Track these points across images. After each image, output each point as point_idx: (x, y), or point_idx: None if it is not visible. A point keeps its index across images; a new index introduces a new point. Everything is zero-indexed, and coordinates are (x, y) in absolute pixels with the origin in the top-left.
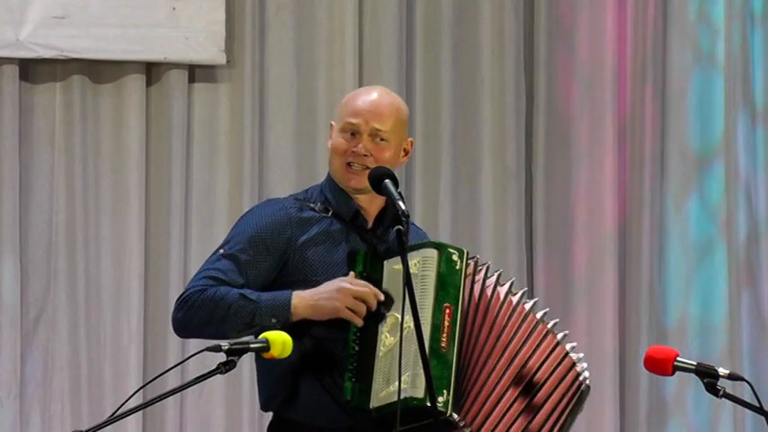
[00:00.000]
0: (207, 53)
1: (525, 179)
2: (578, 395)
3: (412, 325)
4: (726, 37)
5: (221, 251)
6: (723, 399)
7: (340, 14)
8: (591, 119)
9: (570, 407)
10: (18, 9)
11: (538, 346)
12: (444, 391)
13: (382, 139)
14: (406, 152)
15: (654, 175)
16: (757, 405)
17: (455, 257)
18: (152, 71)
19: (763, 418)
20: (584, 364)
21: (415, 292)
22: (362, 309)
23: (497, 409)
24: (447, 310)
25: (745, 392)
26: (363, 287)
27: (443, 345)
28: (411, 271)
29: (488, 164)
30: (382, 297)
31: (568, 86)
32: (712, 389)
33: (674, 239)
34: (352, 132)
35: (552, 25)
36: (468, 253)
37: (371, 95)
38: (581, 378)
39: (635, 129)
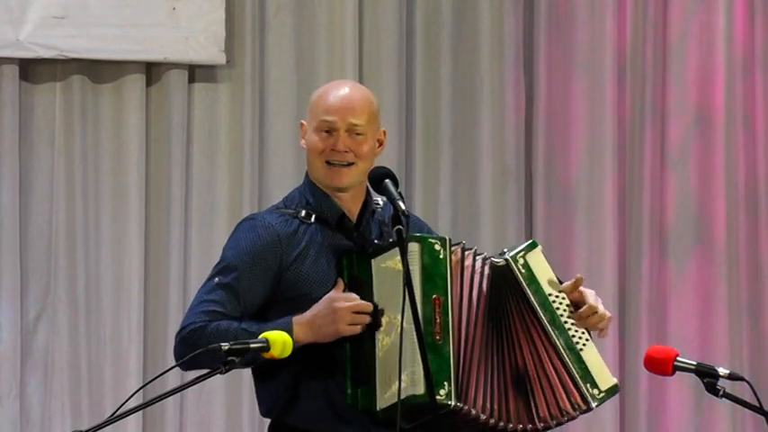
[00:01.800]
0: (207, 53)
1: (525, 179)
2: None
3: (406, 323)
4: (726, 37)
5: (216, 279)
6: (723, 399)
7: (340, 14)
8: (591, 119)
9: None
10: (18, 9)
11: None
12: (445, 383)
13: (359, 134)
14: (381, 143)
15: (654, 176)
16: (757, 405)
17: (437, 247)
18: (152, 71)
19: (763, 418)
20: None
21: (402, 288)
22: (363, 319)
23: (496, 389)
24: (436, 302)
25: (745, 392)
26: (355, 301)
27: (437, 337)
28: (395, 268)
29: (488, 164)
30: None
31: (568, 86)
32: (712, 389)
33: (674, 239)
34: (328, 130)
35: (552, 25)
36: (450, 240)
37: (343, 90)
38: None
39: (635, 129)
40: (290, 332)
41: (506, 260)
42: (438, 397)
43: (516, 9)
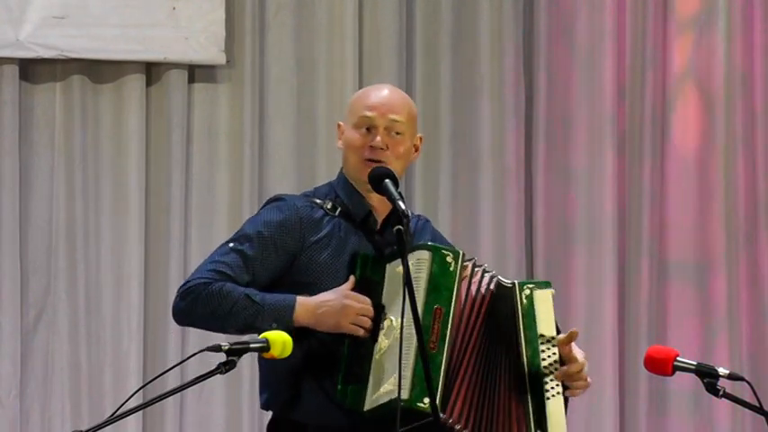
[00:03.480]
0: (207, 53)
1: (525, 179)
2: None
3: (404, 327)
4: (726, 36)
5: (231, 245)
6: (723, 399)
7: (340, 14)
8: (591, 119)
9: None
10: (18, 9)
11: None
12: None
13: (398, 133)
14: (417, 148)
15: (654, 176)
16: (757, 405)
17: (449, 259)
18: (152, 71)
19: (763, 418)
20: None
21: (402, 288)
22: (365, 322)
23: (476, 404)
24: (437, 312)
25: (745, 392)
26: (365, 304)
27: (432, 346)
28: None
29: (488, 164)
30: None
31: (568, 86)
32: (712, 389)
33: (674, 240)
34: (368, 127)
35: (552, 25)
36: (464, 255)
37: (383, 91)
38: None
39: (635, 129)
40: (291, 309)
41: (513, 284)
42: (421, 404)
43: (516, 9)
